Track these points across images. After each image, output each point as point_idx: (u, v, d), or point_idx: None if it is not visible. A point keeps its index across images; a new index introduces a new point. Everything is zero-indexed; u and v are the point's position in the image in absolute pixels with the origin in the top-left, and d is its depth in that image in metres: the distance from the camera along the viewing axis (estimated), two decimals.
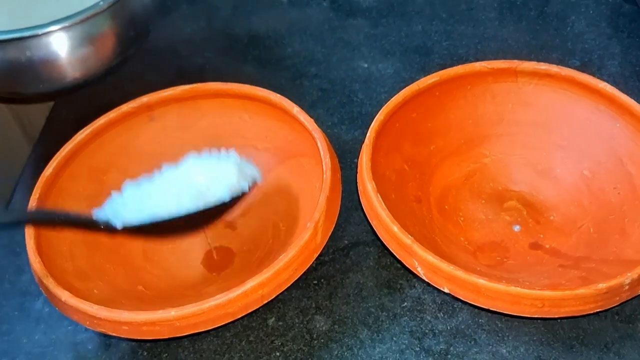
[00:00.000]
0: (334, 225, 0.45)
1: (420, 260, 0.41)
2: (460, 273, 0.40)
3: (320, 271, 0.50)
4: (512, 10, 0.70)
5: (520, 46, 0.66)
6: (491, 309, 0.41)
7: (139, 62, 0.69)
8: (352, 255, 0.51)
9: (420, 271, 0.42)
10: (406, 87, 0.51)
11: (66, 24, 0.49)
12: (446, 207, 0.51)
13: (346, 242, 0.51)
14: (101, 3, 0.50)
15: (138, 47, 0.59)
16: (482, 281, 0.39)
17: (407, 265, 0.43)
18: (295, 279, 0.42)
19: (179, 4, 0.76)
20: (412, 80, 0.53)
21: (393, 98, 0.50)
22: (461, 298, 0.41)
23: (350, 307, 0.47)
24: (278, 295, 0.43)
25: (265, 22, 0.73)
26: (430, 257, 0.41)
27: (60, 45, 0.51)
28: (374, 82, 0.64)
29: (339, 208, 0.46)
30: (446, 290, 0.41)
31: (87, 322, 0.41)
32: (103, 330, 0.41)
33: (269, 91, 0.52)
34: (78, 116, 0.54)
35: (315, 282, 0.49)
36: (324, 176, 0.45)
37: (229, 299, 0.39)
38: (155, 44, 0.72)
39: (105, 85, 0.62)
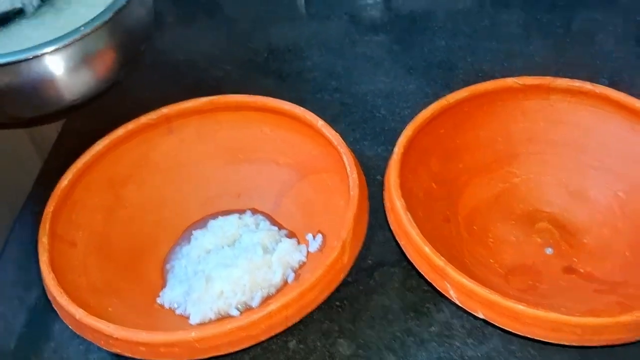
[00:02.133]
0: (361, 245, 0.43)
1: (454, 283, 0.39)
2: (496, 297, 0.38)
3: (343, 292, 0.47)
4: (538, 27, 0.69)
5: (547, 63, 0.64)
6: (528, 336, 0.39)
7: (156, 73, 0.68)
8: (377, 276, 0.48)
9: (452, 295, 0.40)
10: (435, 102, 0.49)
11: (60, 44, 0.45)
12: (475, 227, 0.49)
13: (370, 262, 0.49)
14: (95, 22, 0.47)
15: (135, 63, 0.56)
16: (520, 307, 0.37)
17: (438, 289, 0.41)
18: (322, 300, 0.40)
19: (197, 16, 0.75)
20: (436, 96, 0.51)
21: (421, 113, 0.49)
22: (496, 324, 0.39)
23: (375, 331, 0.45)
24: (288, 328, 0.40)
25: (284, 35, 0.71)
26: (465, 281, 0.38)
27: (55, 67, 0.46)
28: (397, 98, 0.63)
29: (366, 226, 0.44)
30: (480, 316, 0.39)
31: (102, 342, 0.39)
32: (118, 350, 0.39)
33: (292, 104, 0.50)
34: (92, 128, 0.52)
35: (338, 303, 0.47)
36: (351, 193, 0.43)
37: (252, 321, 0.37)
38: (173, 56, 0.71)
39: (121, 97, 0.61)
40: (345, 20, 0.72)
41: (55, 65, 0.45)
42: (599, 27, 0.68)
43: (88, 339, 0.40)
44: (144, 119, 0.51)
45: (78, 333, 0.40)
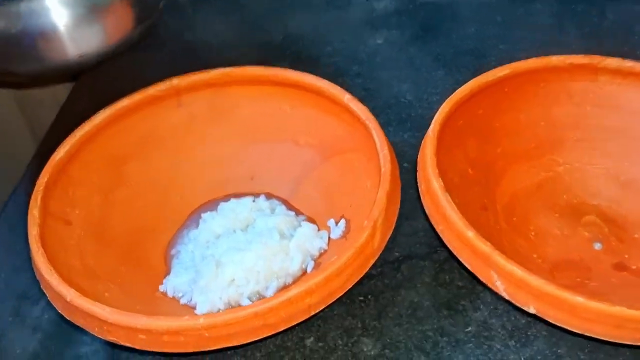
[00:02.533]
0: (393, 228, 0.38)
1: (502, 272, 0.34)
2: (552, 289, 0.33)
3: (366, 286, 0.42)
4: (573, 17, 0.64)
5: (584, 52, 0.60)
6: (586, 334, 0.33)
7: (167, 54, 0.64)
8: (404, 269, 0.43)
9: (499, 286, 0.35)
10: (473, 79, 0.45)
11: None
12: (514, 218, 0.44)
13: (396, 254, 0.44)
14: None
15: (147, 31, 0.52)
16: (580, 299, 0.32)
17: (482, 279, 0.36)
18: (349, 287, 0.35)
19: None
20: (467, 82, 0.46)
21: (459, 89, 0.44)
22: (550, 320, 0.34)
23: (403, 330, 0.40)
24: (310, 317, 0.35)
25: (302, 20, 0.67)
26: (516, 269, 0.33)
27: (58, 16, 0.42)
28: (424, 84, 0.58)
29: (398, 208, 0.39)
30: (531, 310, 0.34)
31: (96, 329, 0.34)
32: (114, 338, 0.34)
33: (315, 77, 0.46)
34: (94, 110, 0.47)
35: (361, 298, 0.42)
36: (383, 169, 0.38)
37: (269, 307, 0.32)
38: (185, 37, 0.66)
39: (129, 78, 0.56)
40: (366, 5, 0.68)
41: (60, 11, 0.40)
42: (637, 17, 0.64)
43: (80, 325, 0.35)
44: (151, 90, 0.46)
45: (68, 318, 0.35)
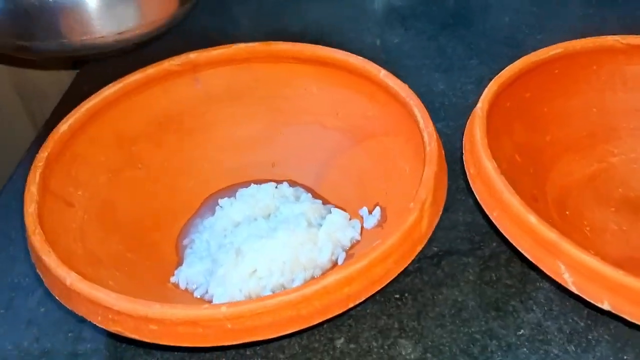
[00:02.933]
0: (440, 213, 0.33)
1: (571, 262, 0.29)
2: (632, 281, 0.28)
3: (403, 283, 0.38)
4: (612, 7, 0.61)
5: None
6: None
7: (182, 40, 0.60)
8: (445, 266, 0.39)
9: (567, 279, 0.30)
10: (523, 57, 0.41)
11: None
12: (567, 212, 0.40)
13: (435, 249, 0.40)
14: None
15: (191, 11, 0.48)
16: None
17: (546, 271, 0.31)
18: (393, 277, 0.30)
19: None
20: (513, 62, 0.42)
21: (507, 68, 0.40)
22: (627, 317, 0.29)
23: (446, 331, 0.35)
24: (349, 309, 0.31)
25: (323, 9, 0.63)
26: (589, 259, 0.29)
27: None
28: (457, 72, 0.54)
29: (446, 191, 0.34)
30: (605, 307, 0.29)
31: (99, 318, 0.29)
32: (120, 329, 0.29)
33: (347, 53, 0.41)
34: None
35: (397, 296, 0.37)
36: (428, 148, 0.34)
37: (303, 296, 0.28)
38: (201, 24, 0.62)
39: (140, 64, 0.52)
40: None
41: None
42: None
43: (81, 315, 0.30)
44: (166, 63, 0.42)
45: (67, 306, 0.31)
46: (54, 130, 0.38)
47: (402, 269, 0.30)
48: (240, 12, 0.65)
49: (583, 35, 0.56)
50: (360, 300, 0.29)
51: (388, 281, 0.30)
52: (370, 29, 0.60)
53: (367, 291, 0.29)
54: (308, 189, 0.42)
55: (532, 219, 0.31)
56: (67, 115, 0.39)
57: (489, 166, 0.33)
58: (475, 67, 0.54)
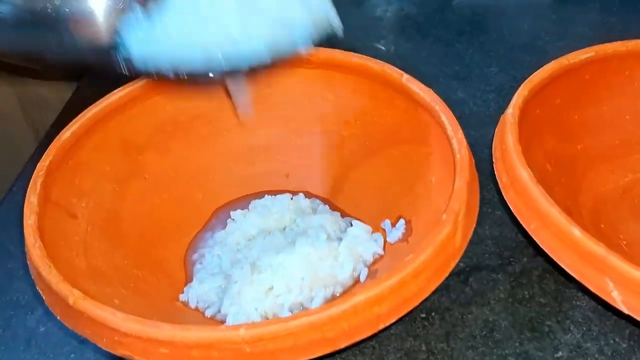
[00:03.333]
0: (474, 225, 0.31)
1: (621, 279, 0.27)
2: None
3: (429, 301, 0.35)
4: (634, 12, 0.59)
5: None
6: None
7: None
8: (473, 282, 0.36)
9: (616, 297, 0.27)
10: (552, 61, 0.38)
11: None
12: (602, 225, 0.37)
13: (462, 265, 0.37)
14: None
15: None
16: None
17: (591, 288, 0.29)
18: (426, 296, 0.28)
19: None
20: (525, 80, 0.40)
21: (537, 73, 0.38)
22: None
23: (478, 354, 0.33)
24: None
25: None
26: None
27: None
28: (476, 80, 0.52)
29: (478, 202, 0.32)
30: None
31: (104, 340, 0.26)
32: (127, 353, 0.26)
33: (365, 57, 0.39)
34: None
35: (424, 315, 0.35)
36: (458, 156, 0.32)
37: (329, 317, 0.25)
38: None
39: None
40: (407, 1, 0.62)
41: None
42: None
43: (85, 336, 0.28)
44: None
45: (70, 327, 0.28)
46: (57, 137, 0.35)
47: (435, 286, 0.28)
48: None
49: (606, 41, 0.53)
50: (391, 322, 0.27)
51: (420, 301, 0.27)
52: (385, 36, 0.58)
53: (398, 311, 0.27)
54: (325, 201, 0.40)
55: (576, 231, 0.28)
56: (71, 122, 0.36)
57: (525, 175, 0.31)
58: (495, 75, 0.52)
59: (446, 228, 0.28)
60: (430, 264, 0.27)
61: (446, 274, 0.28)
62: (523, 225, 0.31)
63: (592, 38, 0.56)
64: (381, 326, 0.27)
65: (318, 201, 0.39)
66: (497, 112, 0.48)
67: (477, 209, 0.31)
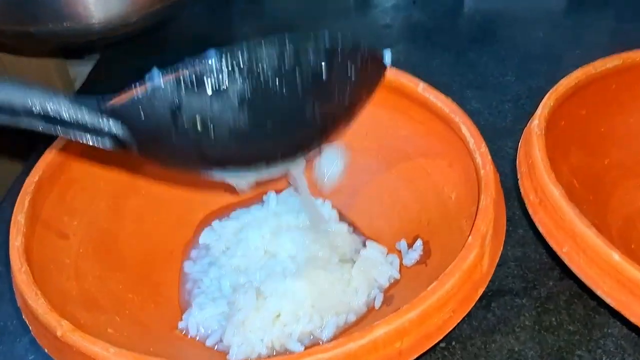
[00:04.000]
0: (501, 248, 0.28)
1: None
2: None
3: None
4: None
5: None
6: None
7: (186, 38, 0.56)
8: (495, 308, 0.34)
9: None
10: (579, 69, 0.36)
11: None
12: (633, 245, 0.35)
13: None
14: None
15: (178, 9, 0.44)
16: None
17: (631, 318, 0.26)
18: (450, 329, 0.25)
19: None
20: (543, 89, 0.37)
21: (563, 81, 0.35)
22: None
23: None
24: None
25: (344, 24, 0.59)
26: None
27: None
28: (491, 90, 0.50)
29: (505, 222, 0.29)
30: None
31: None
32: None
33: None
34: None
35: (443, 345, 0.32)
36: (482, 171, 0.29)
37: (346, 354, 0.23)
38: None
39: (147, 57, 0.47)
40: (415, 6, 0.60)
41: None
42: None
43: None
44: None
45: None
46: (47, 151, 0.33)
47: (460, 318, 0.25)
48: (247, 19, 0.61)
49: (624, 50, 0.51)
50: (413, 358, 0.24)
51: (445, 334, 0.25)
52: (394, 44, 0.56)
53: (422, 346, 0.24)
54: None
55: (616, 256, 0.26)
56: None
57: (556, 193, 0.29)
58: (511, 84, 0.50)
59: (473, 252, 0.25)
60: (456, 293, 0.24)
61: (472, 304, 0.26)
62: (553, 248, 0.29)
63: (608, 46, 0.54)
64: None
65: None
66: (514, 124, 0.46)
67: (504, 230, 0.29)
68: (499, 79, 0.51)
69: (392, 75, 0.36)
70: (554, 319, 0.33)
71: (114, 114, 0.25)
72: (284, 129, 0.27)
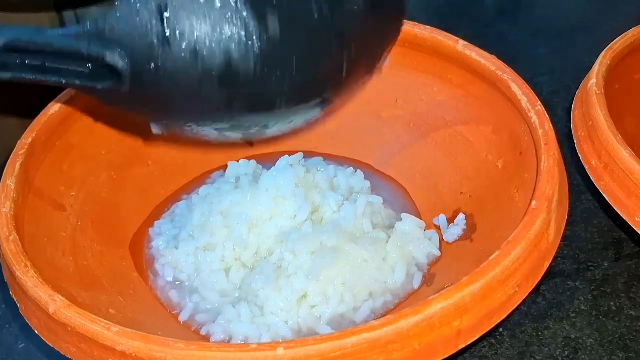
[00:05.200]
0: (566, 217, 0.25)
1: None
2: None
3: None
4: None
5: None
6: None
7: None
8: (546, 292, 0.30)
9: None
10: (635, 28, 0.32)
11: None
12: None
13: None
14: None
15: None
16: None
17: None
18: (516, 306, 0.21)
19: None
20: (580, 61, 0.34)
21: (618, 40, 0.32)
22: None
23: None
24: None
25: None
26: None
27: None
28: (524, 63, 0.45)
29: (568, 192, 0.26)
30: None
31: (95, 356, 0.20)
32: None
33: (412, 22, 0.33)
34: None
35: (491, 331, 0.28)
36: (540, 130, 0.25)
37: (397, 333, 0.19)
38: None
39: None
40: None
41: None
42: None
43: (67, 355, 0.21)
44: None
45: (50, 344, 0.22)
46: (42, 112, 0.29)
47: (526, 295, 0.22)
48: None
49: None
50: (473, 340, 0.20)
51: (509, 312, 0.21)
52: (416, 17, 0.52)
53: (483, 326, 0.20)
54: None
55: None
56: (60, 95, 0.30)
57: (625, 154, 0.25)
58: (546, 56, 0.46)
59: (539, 217, 0.22)
60: (522, 264, 0.21)
61: (539, 279, 0.22)
62: (623, 216, 0.25)
63: None
64: (461, 345, 0.20)
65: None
66: (552, 97, 0.43)
67: (568, 197, 0.25)
68: (532, 52, 0.47)
69: (427, 33, 0.33)
70: (612, 304, 0.29)
71: (100, 36, 0.22)
72: (304, 57, 0.22)
